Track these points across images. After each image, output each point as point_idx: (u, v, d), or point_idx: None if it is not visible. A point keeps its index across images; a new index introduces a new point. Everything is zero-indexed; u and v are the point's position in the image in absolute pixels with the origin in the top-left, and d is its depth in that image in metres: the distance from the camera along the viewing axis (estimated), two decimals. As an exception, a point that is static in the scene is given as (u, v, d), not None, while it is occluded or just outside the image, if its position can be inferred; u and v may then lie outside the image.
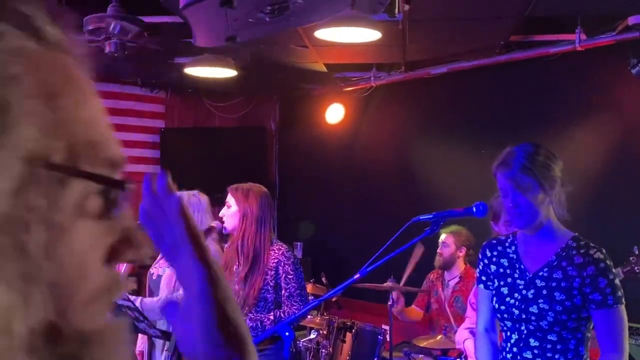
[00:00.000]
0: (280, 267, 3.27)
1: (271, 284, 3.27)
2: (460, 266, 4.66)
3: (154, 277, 3.88)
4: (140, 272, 6.40)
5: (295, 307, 3.24)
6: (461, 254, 4.64)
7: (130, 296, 3.35)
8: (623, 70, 4.10)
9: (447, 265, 4.67)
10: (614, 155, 4.48)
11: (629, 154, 4.46)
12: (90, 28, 3.82)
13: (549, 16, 4.32)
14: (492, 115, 5.34)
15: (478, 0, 3.84)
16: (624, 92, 4.51)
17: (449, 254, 4.64)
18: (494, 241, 2.39)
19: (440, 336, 4.24)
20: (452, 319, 4.57)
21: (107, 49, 4.03)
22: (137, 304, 3.49)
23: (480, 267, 2.40)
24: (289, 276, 3.27)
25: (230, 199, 3.42)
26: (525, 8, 3.87)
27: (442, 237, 4.67)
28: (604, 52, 4.43)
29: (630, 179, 4.41)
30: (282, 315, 3.24)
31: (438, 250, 4.69)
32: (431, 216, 2.21)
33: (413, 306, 4.90)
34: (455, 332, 4.44)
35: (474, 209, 2.18)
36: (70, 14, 0.52)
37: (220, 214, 3.44)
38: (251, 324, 3.28)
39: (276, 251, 3.31)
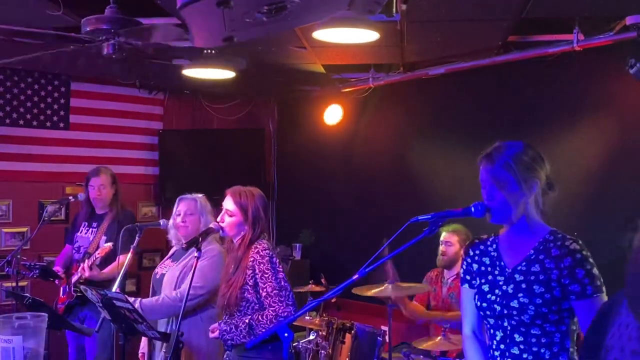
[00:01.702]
0: (257, 266, 3.19)
1: (250, 283, 3.20)
2: (460, 264, 4.65)
3: (157, 276, 3.88)
4: (140, 273, 6.40)
5: (272, 309, 3.15)
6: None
7: (129, 298, 3.33)
8: (621, 70, 4.09)
9: (451, 263, 4.68)
10: (612, 155, 4.48)
11: (627, 154, 4.46)
12: (88, 30, 3.82)
13: (546, 17, 4.32)
14: (490, 115, 5.34)
15: (476, 0, 3.84)
16: (622, 92, 4.51)
17: (454, 252, 4.65)
18: (477, 240, 2.41)
19: (439, 338, 4.23)
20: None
21: (104, 51, 4.02)
22: (137, 305, 3.48)
23: (464, 266, 2.41)
24: (265, 275, 3.17)
25: (229, 204, 3.35)
26: (523, 9, 3.87)
27: (444, 235, 4.67)
28: (602, 52, 4.43)
29: (628, 179, 4.41)
30: (259, 318, 3.15)
31: (441, 249, 4.69)
32: (429, 216, 2.20)
33: (414, 302, 4.91)
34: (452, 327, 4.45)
35: (473, 209, 2.18)
36: None
37: (219, 219, 3.40)
38: (225, 327, 3.24)
39: (253, 249, 3.24)
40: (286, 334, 2.16)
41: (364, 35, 4.16)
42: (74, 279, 4.64)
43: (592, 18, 4.26)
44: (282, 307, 3.14)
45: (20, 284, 4.71)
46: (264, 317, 3.15)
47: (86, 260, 4.51)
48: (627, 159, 4.46)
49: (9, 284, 4.70)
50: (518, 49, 4.81)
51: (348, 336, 4.44)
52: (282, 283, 3.20)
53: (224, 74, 5.37)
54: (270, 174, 7.41)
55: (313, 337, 4.66)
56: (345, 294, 5.37)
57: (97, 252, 4.45)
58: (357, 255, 4.21)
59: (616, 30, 4.23)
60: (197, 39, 2.45)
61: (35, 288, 5.58)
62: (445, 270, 4.73)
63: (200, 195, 3.95)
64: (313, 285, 5.17)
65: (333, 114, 6.60)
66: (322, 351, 4.44)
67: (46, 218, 4.95)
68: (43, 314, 2.99)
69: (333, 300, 5.78)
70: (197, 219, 3.85)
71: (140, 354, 3.97)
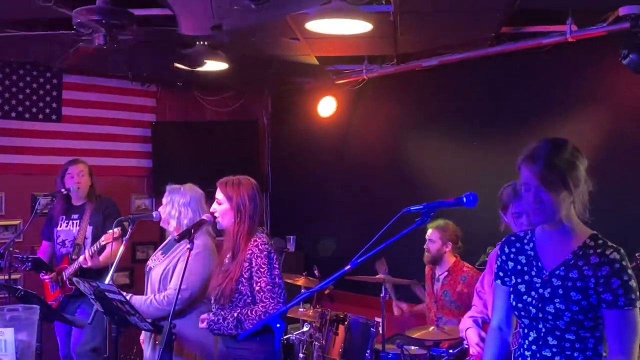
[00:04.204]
0: (254, 259, 3.18)
1: (245, 275, 3.18)
2: (449, 260, 4.67)
3: (147, 269, 3.87)
4: (133, 266, 6.39)
5: (262, 305, 3.13)
6: (447, 249, 4.65)
7: (121, 291, 3.32)
8: (614, 61, 4.09)
9: (435, 260, 4.69)
10: (606, 145, 4.48)
11: (621, 144, 4.47)
12: (79, 21, 3.79)
13: (539, 8, 4.31)
14: (484, 107, 5.33)
15: (469, -9, 3.84)
16: (616, 83, 4.51)
17: (435, 250, 4.65)
18: (513, 238, 2.36)
19: (432, 327, 4.25)
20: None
21: (96, 42, 4.00)
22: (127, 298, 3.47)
23: (499, 263, 2.37)
24: (261, 270, 3.16)
25: (219, 195, 3.35)
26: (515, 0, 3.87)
27: (428, 232, 4.67)
28: (595, 43, 4.42)
29: (622, 169, 4.42)
30: (248, 313, 3.14)
31: (425, 247, 4.70)
32: (421, 207, 2.18)
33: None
34: (446, 323, 4.46)
35: (464, 199, 2.15)
36: None
37: (212, 210, 3.40)
38: (213, 318, 3.23)
39: (252, 242, 3.22)
40: (278, 325, 2.16)
41: (357, 27, 4.15)
42: (69, 271, 4.62)
43: (585, 9, 4.25)
44: (272, 304, 3.13)
45: (12, 276, 4.69)
46: (253, 312, 3.14)
47: (86, 250, 4.50)
48: (621, 150, 4.46)
49: (1, 277, 4.68)
50: (511, 41, 4.80)
51: (341, 327, 4.45)
52: (277, 280, 3.18)
53: (217, 66, 5.34)
54: (264, 166, 7.39)
55: (307, 328, 4.67)
56: (339, 286, 5.38)
57: (101, 239, 4.41)
58: (350, 246, 4.22)
59: (609, 21, 4.23)
60: (184, 27, 2.43)
61: (27, 280, 5.56)
62: (436, 267, 4.74)
63: (177, 185, 3.88)
64: (306, 277, 5.17)
65: (327, 106, 6.59)
66: (316, 342, 4.44)
67: (39, 210, 4.92)
68: (35, 306, 2.98)
69: (327, 291, 5.79)
70: (164, 209, 3.82)
71: (141, 340, 3.96)
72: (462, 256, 4.71)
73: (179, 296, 3.29)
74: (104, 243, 4.39)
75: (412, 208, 2.20)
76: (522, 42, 4.75)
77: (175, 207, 3.78)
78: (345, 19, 3.97)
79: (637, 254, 3.47)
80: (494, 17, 4.27)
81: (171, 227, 3.78)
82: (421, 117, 5.90)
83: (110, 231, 4.33)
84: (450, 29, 4.62)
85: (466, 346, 3.95)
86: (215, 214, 3.35)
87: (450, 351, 4.10)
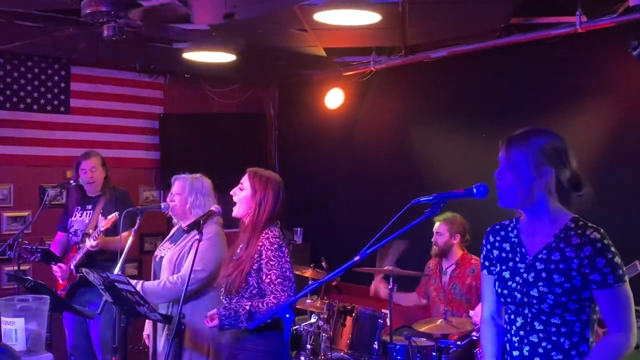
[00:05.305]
0: (264, 252, 3.18)
1: (254, 267, 3.18)
2: (456, 253, 4.67)
3: (157, 259, 3.88)
4: (141, 257, 6.42)
5: (273, 297, 3.13)
6: (455, 241, 4.65)
7: (130, 280, 3.34)
8: (624, 52, 4.07)
9: (443, 253, 4.69)
10: (615, 137, 4.46)
11: (630, 136, 4.45)
12: (87, 12, 3.80)
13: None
14: (493, 98, 5.31)
15: (478, -18, 3.82)
16: (625, 74, 4.48)
17: (443, 242, 4.66)
18: (497, 226, 2.38)
19: (440, 320, 4.25)
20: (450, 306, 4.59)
21: (104, 34, 4.01)
22: (138, 287, 3.49)
23: (484, 252, 2.38)
24: (271, 262, 3.15)
25: (245, 182, 3.35)
26: (525, -10, 3.85)
27: (436, 225, 4.67)
28: (605, 34, 4.40)
29: (631, 161, 4.40)
30: (259, 305, 3.13)
31: (433, 240, 4.71)
32: (431, 198, 2.19)
33: (415, 293, 4.94)
34: (454, 315, 4.46)
35: (475, 190, 2.15)
36: None
37: (232, 192, 3.40)
38: (225, 313, 3.22)
39: (264, 235, 3.22)
40: (288, 315, 2.16)
41: (365, 18, 4.14)
42: (76, 260, 4.64)
43: (594, 0, 4.23)
44: (283, 297, 3.12)
45: (22, 267, 4.72)
46: (265, 304, 3.14)
47: (92, 232, 4.51)
48: (630, 141, 4.44)
49: (10, 268, 4.71)
50: (520, 32, 4.78)
51: (349, 319, 4.46)
52: (287, 273, 3.18)
53: (225, 57, 5.34)
54: (271, 158, 7.40)
55: (314, 320, 4.68)
56: (346, 278, 5.39)
57: (100, 225, 4.43)
58: (358, 238, 4.22)
59: (619, 12, 4.20)
60: (197, 15, 2.42)
61: (37, 271, 5.59)
62: (443, 260, 4.74)
63: (195, 175, 3.90)
64: (314, 269, 5.18)
65: (334, 98, 6.57)
66: (324, 334, 4.46)
67: (47, 202, 4.94)
68: (45, 296, 3.00)
69: (334, 283, 5.80)
70: (184, 198, 3.82)
71: (144, 335, 3.98)
72: (469, 249, 4.71)
73: (193, 276, 3.31)
74: (103, 229, 4.40)
75: (421, 199, 2.20)
76: (531, 33, 4.72)
77: (199, 197, 3.80)
78: (353, 10, 3.97)
79: None
80: (503, 8, 4.25)
81: (194, 216, 3.73)
82: (429, 109, 5.88)
83: (110, 216, 4.35)
84: (459, 20, 4.60)
85: (475, 338, 3.96)
86: (235, 198, 3.36)
87: (459, 343, 4.10)
